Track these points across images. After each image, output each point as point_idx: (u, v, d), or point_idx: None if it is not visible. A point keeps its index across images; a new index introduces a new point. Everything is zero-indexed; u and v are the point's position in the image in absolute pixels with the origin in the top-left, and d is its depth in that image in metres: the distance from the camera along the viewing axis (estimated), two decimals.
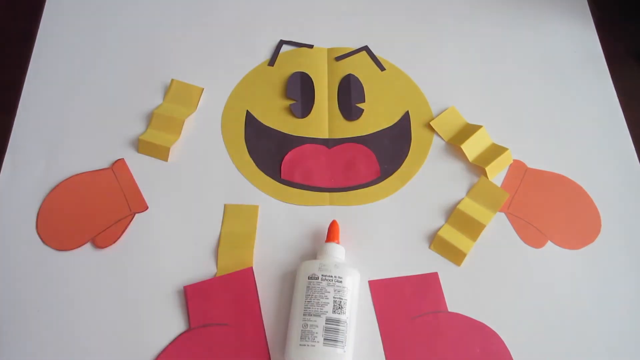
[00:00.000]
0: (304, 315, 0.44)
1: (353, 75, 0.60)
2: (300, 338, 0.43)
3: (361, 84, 0.60)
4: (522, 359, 0.46)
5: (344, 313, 0.44)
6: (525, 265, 0.50)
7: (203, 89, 0.59)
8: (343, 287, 0.45)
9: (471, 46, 0.63)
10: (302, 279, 0.46)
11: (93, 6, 0.65)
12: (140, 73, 0.60)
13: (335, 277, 0.45)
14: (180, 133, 0.56)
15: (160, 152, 0.55)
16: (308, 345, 0.43)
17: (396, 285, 0.47)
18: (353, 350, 0.44)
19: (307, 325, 0.44)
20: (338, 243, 0.49)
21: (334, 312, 0.44)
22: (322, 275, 0.45)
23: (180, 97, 0.58)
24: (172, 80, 0.59)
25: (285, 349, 0.44)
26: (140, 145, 0.55)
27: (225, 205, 0.53)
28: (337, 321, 0.43)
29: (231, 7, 0.65)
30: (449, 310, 0.48)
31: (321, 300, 0.44)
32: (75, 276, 0.49)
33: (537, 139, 0.57)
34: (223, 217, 0.52)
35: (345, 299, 0.44)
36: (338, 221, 0.51)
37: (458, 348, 0.46)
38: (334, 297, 0.44)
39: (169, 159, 0.55)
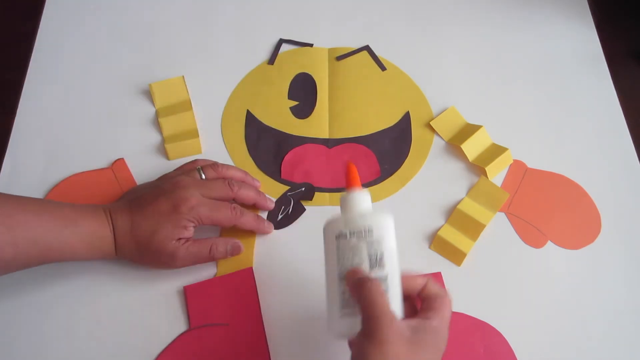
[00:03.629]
0: (339, 280, 0.39)
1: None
2: (342, 307, 0.38)
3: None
4: (526, 358, 0.46)
5: (383, 268, 0.39)
6: (525, 265, 0.50)
7: (183, 76, 0.59)
8: (374, 239, 0.39)
9: (471, 46, 0.63)
10: (330, 241, 0.41)
11: (93, 6, 0.65)
12: (140, 73, 0.60)
13: (364, 230, 0.39)
14: (196, 124, 0.57)
15: (192, 148, 0.55)
16: (352, 315, 0.38)
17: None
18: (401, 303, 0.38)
19: (346, 291, 0.39)
20: (359, 188, 0.41)
21: (371, 270, 0.38)
22: (350, 231, 0.40)
23: (168, 95, 0.58)
24: (150, 85, 0.58)
25: (328, 322, 0.40)
26: (170, 152, 0.55)
27: None
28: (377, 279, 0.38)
29: (231, 7, 0.65)
30: (452, 310, 0.48)
31: (354, 260, 0.39)
32: (75, 276, 0.49)
33: (537, 139, 0.57)
34: None
35: (382, 251, 0.39)
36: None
37: (461, 347, 0.46)
38: (368, 254, 0.39)
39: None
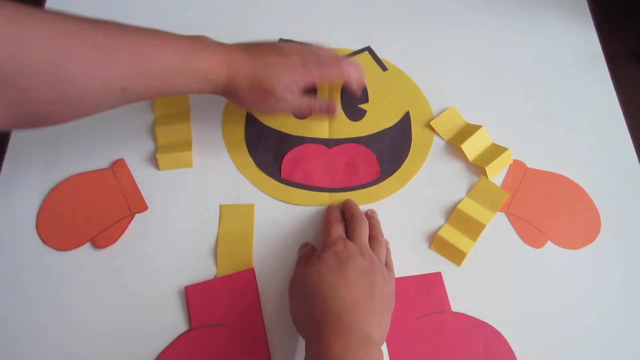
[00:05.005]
0: None
1: None
2: None
3: (364, 84, 0.60)
4: (526, 358, 0.46)
5: None
6: (525, 265, 0.50)
7: None
8: None
9: (471, 46, 0.63)
10: None
11: (93, 6, 0.64)
12: None
13: None
14: (190, 136, 0.56)
15: (183, 161, 0.55)
16: None
17: (400, 285, 0.47)
18: None
19: None
20: None
21: None
22: None
23: (169, 103, 0.57)
24: None
25: None
26: (161, 162, 0.54)
27: (220, 206, 0.53)
28: None
29: (231, 8, 0.65)
30: (452, 310, 0.48)
31: None
32: (75, 276, 0.49)
33: (537, 139, 0.57)
34: (220, 218, 0.52)
35: None
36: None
37: (462, 348, 0.46)
38: None
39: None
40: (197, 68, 0.45)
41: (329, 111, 0.53)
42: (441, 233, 0.51)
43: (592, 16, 0.66)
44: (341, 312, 0.39)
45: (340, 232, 0.47)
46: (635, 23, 0.66)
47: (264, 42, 0.51)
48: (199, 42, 0.46)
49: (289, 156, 0.55)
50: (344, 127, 0.57)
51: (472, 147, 0.55)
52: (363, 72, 0.54)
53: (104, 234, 0.51)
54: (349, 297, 0.40)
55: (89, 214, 0.52)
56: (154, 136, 0.56)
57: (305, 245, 0.50)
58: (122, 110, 0.57)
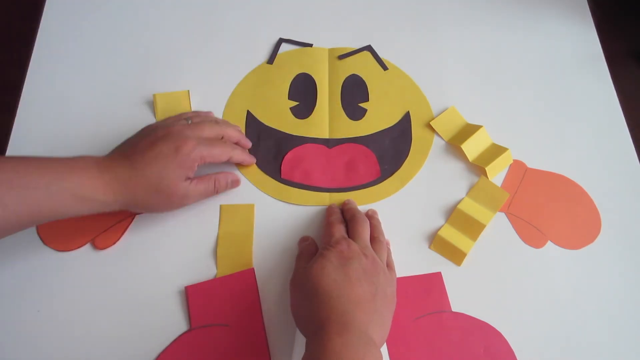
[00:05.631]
0: None
1: (357, 75, 0.60)
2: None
3: (365, 83, 0.60)
4: (526, 358, 0.46)
5: None
6: (525, 265, 0.50)
7: (188, 90, 0.58)
8: None
9: (471, 46, 0.63)
10: None
11: (93, 6, 0.64)
12: (140, 73, 0.60)
13: None
14: None
15: None
16: None
17: (400, 285, 0.47)
18: None
19: None
20: None
21: None
22: None
23: (170, 107, 0.57)
24: (154, 95, 0.57)
25: None
26: None
27: (220, 206, 0.53)
28: None
29: (231, 7, 0.65)
30: (452, 310, 0.48)
31: None
32: (75, 277, 0.49)
33: (537, 139, 0.57)
34: (220, 218, 0.52)
35: None
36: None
37: (462, 348, 0.46)
38: None
39: None
40: (66, 188, 0.41)
41: (233, 185, 0.52)
42: (441, 233, 0.51)
43: (592, 16, 0.66)
44: (344, 311, 0.39)
45: (343, 232, 0.47)
46: (635, 23, 0.66)
47: (133, 137, 0.48)
48: (70, 161, 0.43)
49: (289, 156, 0.55)
50: (344, 127, 0.57)
51: (472, 147, 0.55)
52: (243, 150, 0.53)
53: (104, 235, 0.51)
54: (352, 296, 0.40)
55: (89, 215, 0.51)
56: None
57: (305, 239, 0.50)
58: (123, 111, 0.58)
